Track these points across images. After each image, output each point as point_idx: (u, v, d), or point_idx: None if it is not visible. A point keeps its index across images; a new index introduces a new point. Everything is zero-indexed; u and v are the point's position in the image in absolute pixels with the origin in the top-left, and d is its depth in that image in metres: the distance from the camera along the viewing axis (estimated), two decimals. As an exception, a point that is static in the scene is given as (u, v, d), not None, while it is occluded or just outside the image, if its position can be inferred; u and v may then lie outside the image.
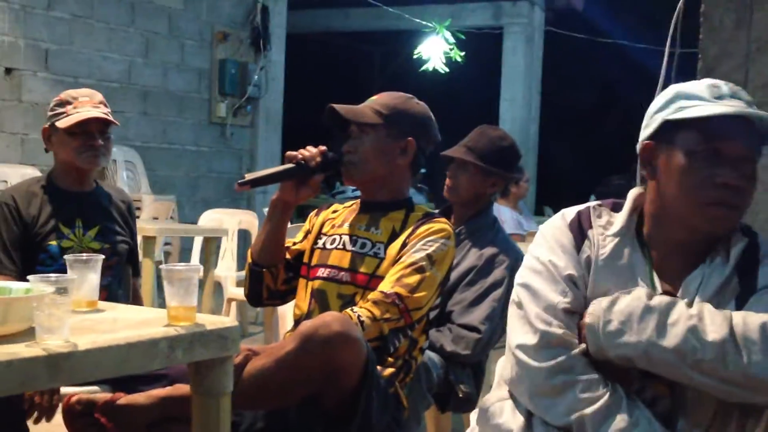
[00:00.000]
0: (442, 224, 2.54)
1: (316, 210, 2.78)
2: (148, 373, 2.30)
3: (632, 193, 1.89)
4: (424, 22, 8.92)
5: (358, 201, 2.68)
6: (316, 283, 2.55)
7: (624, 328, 1.71)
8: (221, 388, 1.83)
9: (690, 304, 1.73)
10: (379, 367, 2.34)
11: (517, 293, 1.87)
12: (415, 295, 2.41)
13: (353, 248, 2.55)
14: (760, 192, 1.94)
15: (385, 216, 2.58)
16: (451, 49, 8.45)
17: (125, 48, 7.65)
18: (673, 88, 1.82)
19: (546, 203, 10.55)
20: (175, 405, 2.19)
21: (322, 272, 2.55)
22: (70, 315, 1.59)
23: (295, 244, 2.68)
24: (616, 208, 1.89)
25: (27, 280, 1.69)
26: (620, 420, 1.69)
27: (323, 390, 2.17)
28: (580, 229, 1.86)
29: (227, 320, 1.85)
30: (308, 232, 2.70)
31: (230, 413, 1.87)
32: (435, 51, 8.46)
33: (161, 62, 7.98)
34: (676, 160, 1.76)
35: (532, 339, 1.78)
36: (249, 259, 2.65)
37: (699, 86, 1.79)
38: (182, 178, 8.18)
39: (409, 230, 2.52)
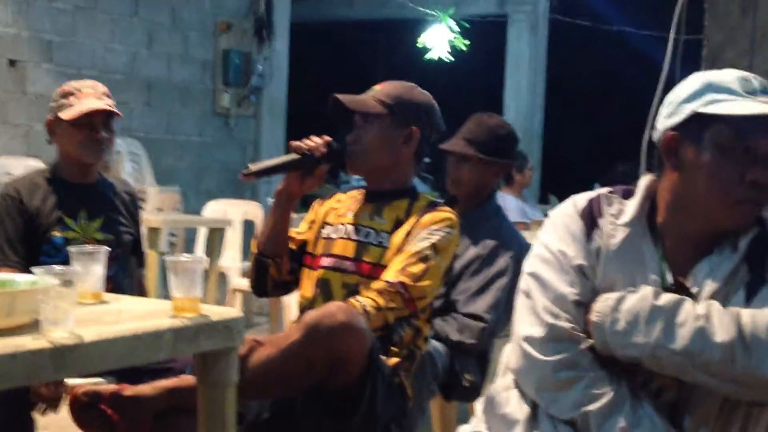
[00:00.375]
0: (446, 213, 2.54)
1: (319, 200, 2.78)
2: (154, 365, 2.31)
3: (644, 181, 1.86)
4: (427, 11, 8.90)
5: (362, 190, 2.68)
6: (321, 273, 2.55)
7: (631, 329, 1.69)
8: (226, 379, 1.84)
9: (698, 303, 1.71)
10: (383, 357, 2.35)
11: (525, 282, 1.85)
12: (420, 284, 2.41)
13: (357, 237, 2.55)
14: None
15: (389, 205, 2.58)
16: (455, 38, 8.43)
17: (128, 39, 7.64)
18: (702, 78, 1.78)
19: (551, 191, 10.53)
20: (181, 396, 2.19)
21: (326, 261, 2.56)
22: (76, 307, 1.59)
23: (299, 234, 2.68)
24: (627, 196, 1.86)
25: (31, 272, 1.69)
26: (623, 419, 1.68)
27: (328, 380, 2.17)
28: (590, 218, 1.83)
29: (232, 311, 1.86)
30: (312, 222, 2.70)
31: (236, 404, 1.87)
32: (439, 40, 8.43)
33: (165, 53, 7.97)
34: (704, 154, 1.73)
35: (539, 332, 1.76)
36: (253, 250, 2.65)
37: (729, 78, 1.75)
38: (186, 169, 8.18)
39: (414, 219, 2.52)
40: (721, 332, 1.65)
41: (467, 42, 8.36)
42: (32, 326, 1.56)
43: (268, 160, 2.60)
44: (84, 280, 1.86)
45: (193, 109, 8.26)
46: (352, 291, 2.47)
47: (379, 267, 2.49)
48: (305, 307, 2.56)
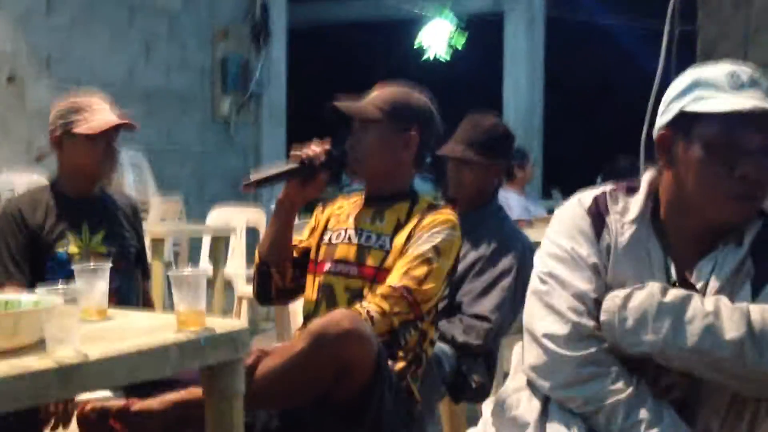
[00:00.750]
0: (447, 214, 2.54)
1: (321, 206, 2.78)
2: (161, 378, 2.31)
3: (647, 177, 1.87)
4: (425, 10, 8.92)
5: (362, 195, 2.68)
6: (324, 278, 2.55)
7: (640, 327, 1.70)
8: (233, 391, 1.84)
9: (705, 298, 1.71)
10: (390, 361, 2.35)
11: (541, 281, 1.85)
12: (424, 287, 2.41)
13: (359, 241, 2.55)
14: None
15: (389, 208, 2.58)
16: (453, 34, 8.43)
17: (126, 50, 7.65)
18: (691, 75, 1.78)
19: (553, 186, 10.53)
20: (189, 409, 2.20)
21: (329, 267, 2.56)
22: (80, 325, 1.59)
23: (301, 241, 2.69)
24: (631, 192, 1.87)
25: (35, 288, 1.69)
26: (646, 412, 1.69)
27: (335, 387, 2.17)
28: (598, 216, 1.84)
29: (237, 323, 1.86)
30: (314, 229, 2.70)
31: (243, 415, 1.87)
32: (437, 37, 8.44)
33: (163, 63, 7.98)
34: (693, 151, 1.73)
35: (562, 329, 1.77)
36: (257, 259, 2.65)
37: (717, 73, 1.75)
38: (189, 177, 8.19)
39: (414, 221, 2.52)
40: (730, 329, 1.65)
41: (464, 40, 8.36)
42: (37, 346, 1.56)
43: (269, 169, 2.61)
44: (88, 298, 1.87)
45: (193, 117, 8.27)
46: (356, 295, 2.47)
47: (381, 270, 2.49)
48: (309, 312, 2.57)
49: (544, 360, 1.79)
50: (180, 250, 6.69)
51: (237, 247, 6.16)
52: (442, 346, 2.85)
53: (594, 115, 12.28)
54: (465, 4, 10.42)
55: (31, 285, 2.53)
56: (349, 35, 11.66)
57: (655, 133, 1.82)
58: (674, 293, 1.71)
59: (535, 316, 1.84)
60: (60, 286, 1.68)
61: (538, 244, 1.96)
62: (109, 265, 1.99)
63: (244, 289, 5.74)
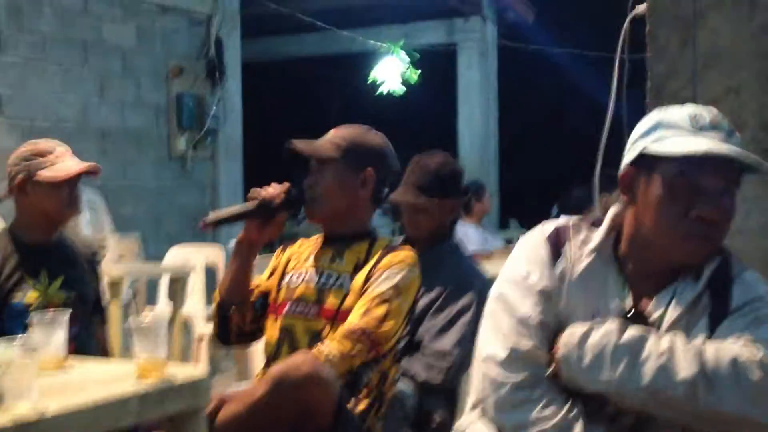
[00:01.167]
0: (405, 253, 2.55)
1: (282, 246, 2.78)
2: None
3: (611, 211, 1.91)
4: (378, 44, 8.96)
5: (322, 235, 2.69)
6: (284, 320, 2.55)
7: (596, 365, 1.72)
8: (195, 439, 1.83)
9: (663, 337, 1.73)
10: (351, 403, 2.35)
11: (491, 304, 1.90)
12: (383, 327, 2.42)
13: (319, 282, 2.56)
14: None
15: (348, 248, 2.59)
16: (407, 69, 8.48)
17: (80, 88, 7.60)
18: (656, 115, 1.83)
19: (510, 216, 10.61)
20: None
21: (289, 308, 2.56)
22: (38, 378, 1.58)
23: (260, 285, 2.68)
24: (596, 225, 1.91)
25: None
26: None
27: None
28: (556, 243, 1.88)
29: (197, 371, 1.86)
30: (274, 270, 2.70)
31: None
32: (390, 72, 8.48)
33: (117, 100, 7.93)
34: (653, 190, 1.77)
35: (501, 352, 1.80)
36: (216, 299, 2.64)
37: (680, 114, 1.80)
38: (145, 215, 8.13)
39: (373, 261, 2.53)
40: (684, 369, 1.68)
41: (419, 72, 8.41)
42: (-6, 402, 1.54)
43: (228, 209, 2.62)
44: (46, 349, 1.85)
45: (149, 155, 8.22)
46: (316, 336, 2.47)
47: (341, 311, 2.49)
48: (270, 354, 2.56)
49: (483, 383, 1.83)
50: (137, 290, 6.62)
51: (195, 286, 6.11)
52: (403, 384, 2.85)
53: (548, 144, 12.41)
54: (418, 36, 10.50)
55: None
56: (304, 70, 11.70)
57: (620, 170, 1.86)
58: (631, 332, 1.74)
59: (481, 338, 1.88)
60: (18, 338, 1.66)
61: (496, 277, 1.99)
62: (67, 313, 1.98)
63: (203, 328, 5.70)
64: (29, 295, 2.82)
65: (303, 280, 2.58)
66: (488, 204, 6.70)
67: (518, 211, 10.41)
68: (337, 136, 2.63)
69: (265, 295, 2.66)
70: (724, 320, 1.77)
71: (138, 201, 8.09)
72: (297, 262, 2.65)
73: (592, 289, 1.84)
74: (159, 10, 8.24)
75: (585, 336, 1.75)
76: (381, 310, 2.43)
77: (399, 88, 8.29)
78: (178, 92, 8.39)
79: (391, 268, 2.50)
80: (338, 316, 2.48)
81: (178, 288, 5.60)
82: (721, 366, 1.67)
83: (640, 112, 2.02)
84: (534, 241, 1.92)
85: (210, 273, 6.21)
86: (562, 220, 1.95)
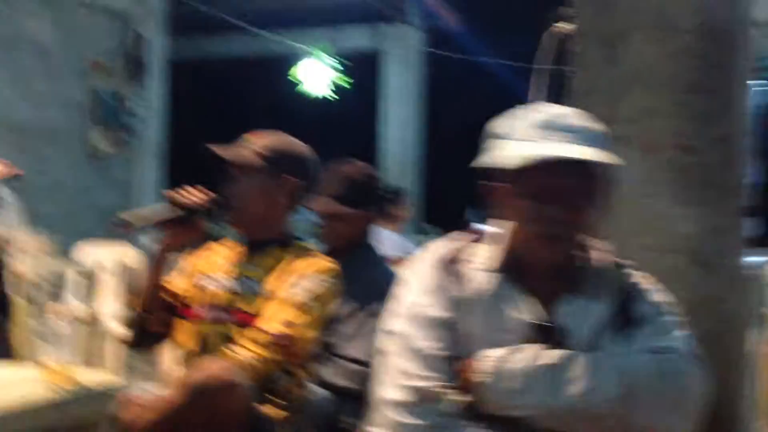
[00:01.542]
0: (324, 261, 2.56)
1: (191, 249, 2.75)
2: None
3: (493, 224, 1.88)
4: (303, 47, 8.95)
5: (239, 240, 2.67)
6: (197, 324, 2.53)
7: (517, 388, 1.70)
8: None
9: (581, 356, 1.72)
10: (265, 409, 2.34)
11: (383, 341, 1.82)
12: (306, 336, 2.43)
13: (232, 286, 2.54)
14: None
15: (263, 253, 2.58)
16: (338, 76, 8.47)
17: (-5, 82, 7.44)
18: (500, 126, 1.83)
19: (428, 221, 10.65)
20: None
21: (202, 312, 2.54)
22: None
23: (171, 285, 2.64)
24: (481, 240, 1.89)
25: None
26: None
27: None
28: (447, 267, 1.83)
29: (108, 376, 1.82)
30: (185, 272, 2.67)
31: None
32: (315, 75, 8.47)
33: (34, 95, 7.77)
34: (510, 199, 1.79)
35: (400, 395, 1.73)
36: (130, 304, 2.61)
37: (525, 122, 1.79)
38: (60, 213, 7.96)
39: (287, 266, 2.53)
40: (605, 387, 1.69)
41: (343, 78, 8.42)
42: None
43: (146, 211, 2.58)
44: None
45: (66, 152, 8.07)
46: (230, 341, 2.44)
47: (255, 316, 2.47)
48: (184, 360, 2.53)
49: (387, 428, 1.75)
50: (47, 287, 6.48)
51: (107, 284, 6.01)
52: (317, 391, 2.83)
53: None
54: (344, 40, 10.50)
55: None
56: (231, 70, 11.59)
57: (479, 187, 1.86)
58: (549, 356, 1.72)
59: (377, 380, 1.80)
60: None
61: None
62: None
63: (113, 327, 5.60)
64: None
65: (217, 285, 2.56)
66: (407, 210, 6.71)
67: (440, 217, 10.45)
68: (258, 143, 2.62)
69: (176, 297, 2.63)
70: (631, 331, 1.78)
71: (53, 198, 7.92)
72: (209, 266, 2.63)
73: (490, 308, 1.78)
74: (78, 3, 8.10)
75: (504, 360, 1.71)
76: (303, 319, 2.43)
77: (327, 93, 8.27)
78: (98, 88, 8.25)
79: (309, 274, 2.50)
80: (251, 320, 2.46)
81: (88, 286, 5.49)
82: (643, 379, 1.70)
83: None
84: (423, 267, 1.85)
85: (122, 272, 6.11)
86: (449, 240, 1.90)
